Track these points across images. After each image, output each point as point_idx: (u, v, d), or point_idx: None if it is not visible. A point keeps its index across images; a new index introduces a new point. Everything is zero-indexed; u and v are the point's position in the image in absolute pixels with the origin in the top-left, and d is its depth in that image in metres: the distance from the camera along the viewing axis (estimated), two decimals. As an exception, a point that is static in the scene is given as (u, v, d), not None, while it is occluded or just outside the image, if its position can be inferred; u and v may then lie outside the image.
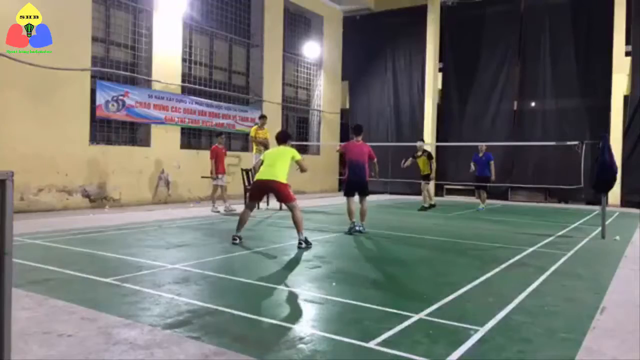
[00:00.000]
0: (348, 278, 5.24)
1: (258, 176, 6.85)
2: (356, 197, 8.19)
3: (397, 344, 3.17)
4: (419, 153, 12.48)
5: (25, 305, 3.80)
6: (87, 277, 4.76)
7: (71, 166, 10.60)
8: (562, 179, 13.82)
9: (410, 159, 12.48)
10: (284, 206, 11.78)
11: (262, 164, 6.90)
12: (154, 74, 12.45)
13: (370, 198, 16.55)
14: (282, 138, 7.18)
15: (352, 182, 8.06)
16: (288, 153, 6.86)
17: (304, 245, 6.53)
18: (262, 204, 11.78)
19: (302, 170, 7.09)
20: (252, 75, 15.94)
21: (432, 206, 12.61)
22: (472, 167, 12.99)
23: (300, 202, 8.47)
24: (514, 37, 16.65)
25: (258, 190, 7.00)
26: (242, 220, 6.90)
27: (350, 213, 8.01)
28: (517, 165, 16.40)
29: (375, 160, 8.31)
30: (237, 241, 6.74)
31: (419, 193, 16.10)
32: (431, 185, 13.34)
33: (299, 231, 6.63)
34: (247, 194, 7.25)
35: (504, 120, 16.88)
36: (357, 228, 7.97)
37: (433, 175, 12.62)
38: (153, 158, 12.42)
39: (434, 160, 12.66)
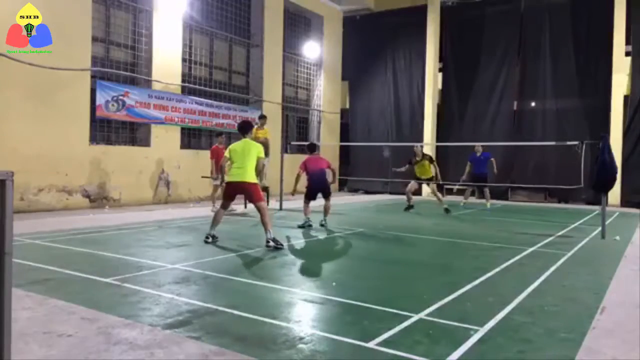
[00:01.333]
0: (348, 278, 5.24)
1: (230, 178, 6.83)
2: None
3: (397, 344, 3.17)
4: (418, 158, 11.99)
5: (25, 305, 3.80)
6: (87, 277, 4.76)
7: (71, 166, 10.60)
8: (562, 179, 13.79)
9: (407, 165, 12.10)
10: (284, 206, 11.93)
11: (228, 161, 6.87)
12: (154, 74, 12.45)
13: (370, 198, 16.67)
14: (244, 129, 7.04)
15: (314, 188, 8.80)
16: (253, 151, 6.80)
17: (271, 243, 6.47)
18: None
19: (256, 169, 6.89)
20: (252, 75, 15.94)
21: (410, 207, 12.11)
22: (468, 167, 13.05)
23: (300, 203, 8.50)
24: (514, 37, 16.64)
25: (232, 191, 6.92)
26: (216, 219, 6.96)
27: (306, 211, 8.73)
28: (517, 165, 16.39)
29: (333, 168, 9.21)
30: (210, 240, 6.77)
31: (419, 193, 16.14)
32: (426, 187, 13.25)
33: (267, 230, 6.59)
34: (223, 194, 7.30)
35: (504, 120, 16.87)
36: (317, 223, 8.67)
37: (439, 177, 12.22)
38: (153, 158, 12.42)
39: (435, 163, 12.28)
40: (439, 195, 12.36)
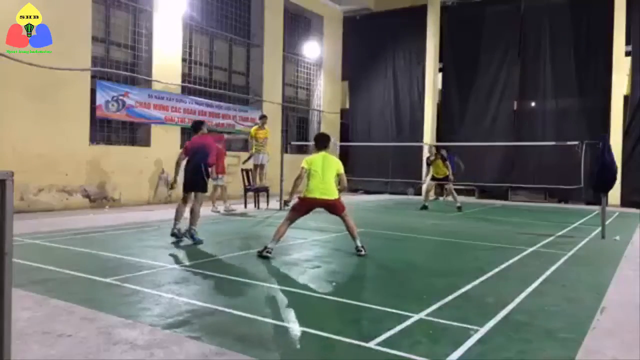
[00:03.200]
0: (348, 278, 5.24)
1: (309, 194, 6.15)
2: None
3: (397, 344, 3.17)
4: (432, 157, 12.43)
5: (25, 305, 3.80)
6: (87, 277, 4.76)
7: (71, 166, 10.60)
8: (562, 179, 13.80)
9: (428, 167, 12.51)
10: (284, 206, 11.91)
11: (307, 175, 6.25)
12: (154, 74, 12.45)
13: (370, 198, 16.67)
14: (325, 144, 6.51)
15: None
16: (334, 166, 6.28)
17: (363, 252, 6.16)
18: (262, 204, 11.79)
19: (342, 187, 6.48)
20: (252, 75, 15.93)
21: (425, 207, 12.35)
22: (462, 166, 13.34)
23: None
24: (514, 37, 16.63)
25: (310, 206, 6.28)
26: (278, 232, 6.20)
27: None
28: (517, 165, 16.38)
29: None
30: (268, 253, 5.98)
31: (418, 193, 16.13)
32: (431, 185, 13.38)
33: (355, 237, 6.26)
34: (291, 208, 6.40)
35: (504, 120, 16.86)
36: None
37: (452, 176, 12.48)
38: (153, 158, 12.41)
39: (447, 162, 12.52)
40: (455, 194, 12.60)
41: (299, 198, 6.31)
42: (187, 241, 6.79)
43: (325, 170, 6.20)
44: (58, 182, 10.42)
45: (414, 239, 7.98)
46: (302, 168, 6.28)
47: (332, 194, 6.22)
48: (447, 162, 12.38)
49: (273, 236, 6.08)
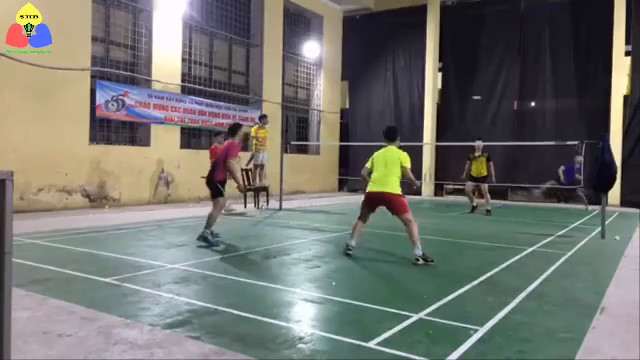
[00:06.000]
0: (348, 278, 5.24)
1: (368, 187, 6.15)
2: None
3: (397, 344, 3.17)
4: (478, 154, 11.78)
5: (26, 305, 3.80)
6: (87, 277, 4.76)
7: (71, 166, 10.60)
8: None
9: (468, 163, 11.81)
10: (284, 206, 11.92)
11: (370, 171, 6.24)
12: (154, 74, 12.45)
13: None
14: (391, 136, 6.40)
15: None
16: (397, 158, 6.09)
17: (421, 261, 5.72)
18: (262, 204, 11.79)
19: (411, 182, 6.25)
20: (252, 75, 15.93)
21: (475, 208, 11.98)
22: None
23: (300, 202, 8.48)
24: (514, 37, 16.63)
25: (370, 204, 6.23)
26: (355, 229, 6.30)
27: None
28: (517, 165, 16.40)
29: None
30: (350, 252, 6.11)
31: (418, 193, 16.10)
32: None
33: (414, 244, 5.85)
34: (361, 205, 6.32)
35: (504, 120, 16.87)
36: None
37: (493, 178, 11.90)
38: (153, 158, 12.41)
39: (492, 163, 11.91)
40: (489, 196, 11.98)
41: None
42: (187, 241, 6.79)
43: (386, 164, 6.08)
44: (58, 182, 10.42)
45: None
46: (365, 167, 6.33)
47: (389, 187, 5.96)
48: (491, 163, 11.76)
49: (351, 235, 6.31)
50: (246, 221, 9.58)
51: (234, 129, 7.25)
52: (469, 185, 12.06)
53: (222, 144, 11.31)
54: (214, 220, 6.80)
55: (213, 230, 6.83)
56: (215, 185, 6.95)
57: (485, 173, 11.79)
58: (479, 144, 11.86)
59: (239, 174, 7.17)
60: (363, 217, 6.33)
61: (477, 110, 17.25)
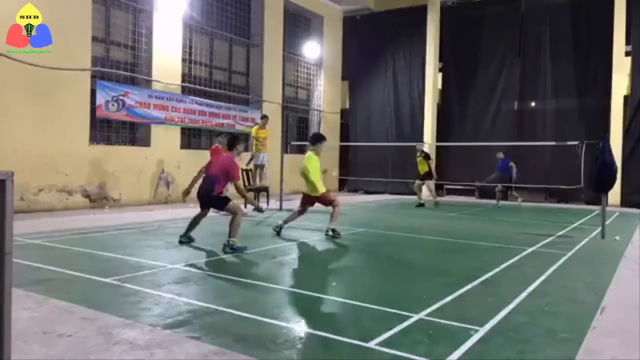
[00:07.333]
0: (348, 278, 5.24)
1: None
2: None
3: (397, 344, 3.17)
4: (418, 155, 13.59)
5: (26, 305, 3.80)
6: (87, 277, 4.76)
7: (71, 166, 10.60)
8: (562, 179, 13.81)
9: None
10: (284, 206, 11.91)
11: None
12: (154, 74, 12.45)
13: (370, 198, 16.66)
14: (311, 141, 7.74)
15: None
16: (306, 161, 7.44)
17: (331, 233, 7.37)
18: (262, 204, 11.77)
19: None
20: (252, 75, 15.93)
21: (421, 205, 13.24)
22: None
23: (299, 202, 8.47)
24: (514, 37, 16.63)
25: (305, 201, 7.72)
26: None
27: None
28: (517, 165, 16.38)
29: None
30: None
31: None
32: (431, 183, 13.90)
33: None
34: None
35: (504, 120, 16.87)
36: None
37: (434, 174, 13.77)
38: (153, 158, 12.41)
39: (431, 160, 13.80)
40: (433, 190, 13.80)
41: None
42: (188, 243, 6.79)
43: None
44: (58, 182, 10.42)
45: (414, 238, 7.98)
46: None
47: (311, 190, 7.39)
48: (430, 161, 13.48)
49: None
50: (246, 221, 9.57)
51: (232, 142, 6.95)
52: (416, 183, 13.78)
53: (223, 144, 11.37)
54: (238, 225, 6.30)
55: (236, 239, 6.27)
56: (218, 197, 6.54)
57: (426, 170, 13.45)
58: (418, 146, 14.10)
59: (251, 195, 7.18)
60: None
61: (477, 110, 17.25)
